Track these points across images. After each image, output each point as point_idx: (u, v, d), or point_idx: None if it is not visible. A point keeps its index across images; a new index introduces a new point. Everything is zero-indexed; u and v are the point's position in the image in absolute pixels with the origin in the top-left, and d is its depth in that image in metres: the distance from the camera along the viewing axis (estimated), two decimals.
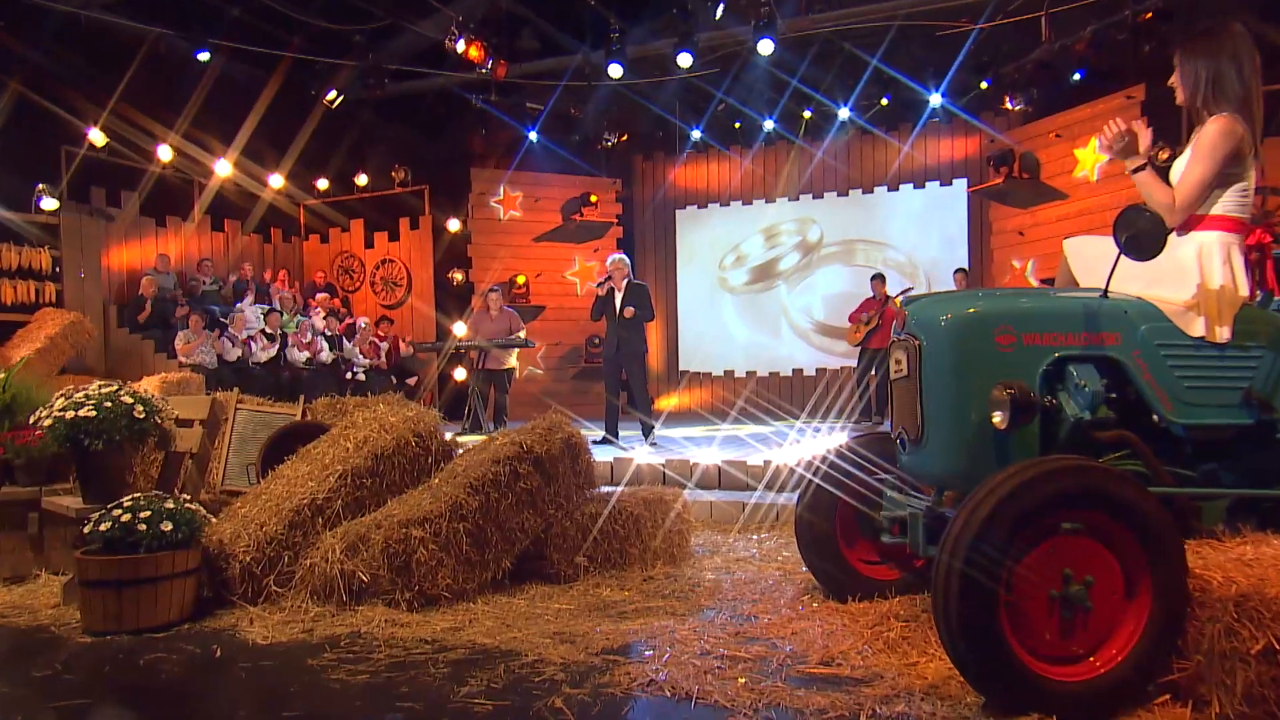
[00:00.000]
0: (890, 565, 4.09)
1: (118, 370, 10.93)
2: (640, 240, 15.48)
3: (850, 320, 11.67)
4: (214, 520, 4.26)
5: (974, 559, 2.68)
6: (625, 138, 14.78)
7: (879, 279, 11.67)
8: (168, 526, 3.82)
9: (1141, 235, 2.96)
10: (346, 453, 4.59)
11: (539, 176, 14.50)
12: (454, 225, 13.89)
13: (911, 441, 3.42)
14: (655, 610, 4.15)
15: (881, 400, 10.77)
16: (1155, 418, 3.21)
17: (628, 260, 9.15)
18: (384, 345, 13.38)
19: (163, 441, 4.63)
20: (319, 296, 13.46)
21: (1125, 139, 3.25)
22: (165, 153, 12.22)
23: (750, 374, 14.82)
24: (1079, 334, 3.23)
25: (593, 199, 14.15)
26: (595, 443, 8.94)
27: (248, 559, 4.11)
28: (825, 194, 14.59)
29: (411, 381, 13.32)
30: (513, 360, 11.19)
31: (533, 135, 14.34)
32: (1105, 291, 3.26)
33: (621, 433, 9.31)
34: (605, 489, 5.51)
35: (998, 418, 3.06)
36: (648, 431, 9.02)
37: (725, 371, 14.99)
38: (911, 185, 14.11)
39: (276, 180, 13.72)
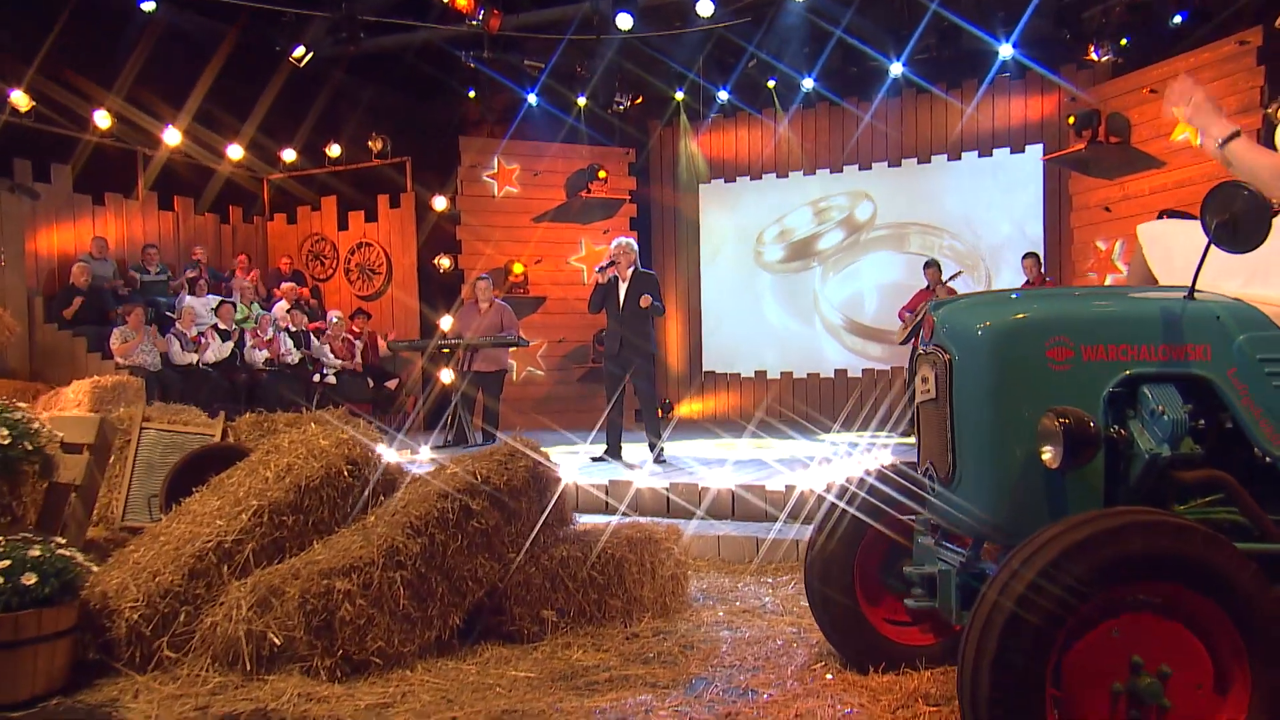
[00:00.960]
0: (923, 628, 3.80)
1: (44, 372, 10.84)
2: (658, 220, 15.35)
3: (900, 317, 11.37)
4: (96, 569, 4.01)
5: (1013, 642, 2.40)
6: (640, 101, 14.60)
7: (932, 266, 11.46)
8: (31, 579, 3.59)
9: (1239, 219, 2.65)
10: (265, 484, 4.34)
11: (539, 146, 14.35)
12: (440, 203, 13.76)
13: (941, 480, 3.14)
14: (633, 680, 3.89)
15: None
16: (1256, 452, 2.89)
17: (634, 245, 8.92)
18: (359, 342, 13.29)
19: (45, 470, 4.41)
20: (284, 286, 13.33)
21: (1197, 102, 2.92)
22: (103, 119, 12.12)
23: (785, 375, 14.63)
24: (1156, 346, 2.94)
25: (601, 174, 13.90)
26: (594, 460, 8.72)
27: (135, 616, 3.87)
28: (874, 164, 14.35)
29: (391, 385, 13.22)
30: (506, 360, 11.06)
31: (532, 98, 14.23)
32: (1191, 291, 2.96)
33: (626, 447, 9.07)
34: (590, 520, 5.26)
35: (1048, 454, 2.77)
36: (656, 448, 8.76)
37: (756, 372, 14.84)
38: (976, 153, 13.84)
39: (235, 151, 13.65)
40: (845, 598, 3.76)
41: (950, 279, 11.23)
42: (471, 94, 14.24)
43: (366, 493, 4.46)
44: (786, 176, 14.79)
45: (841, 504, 3.77)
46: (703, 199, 15.22)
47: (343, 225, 14.29)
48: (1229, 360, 2.93)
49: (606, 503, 7.14)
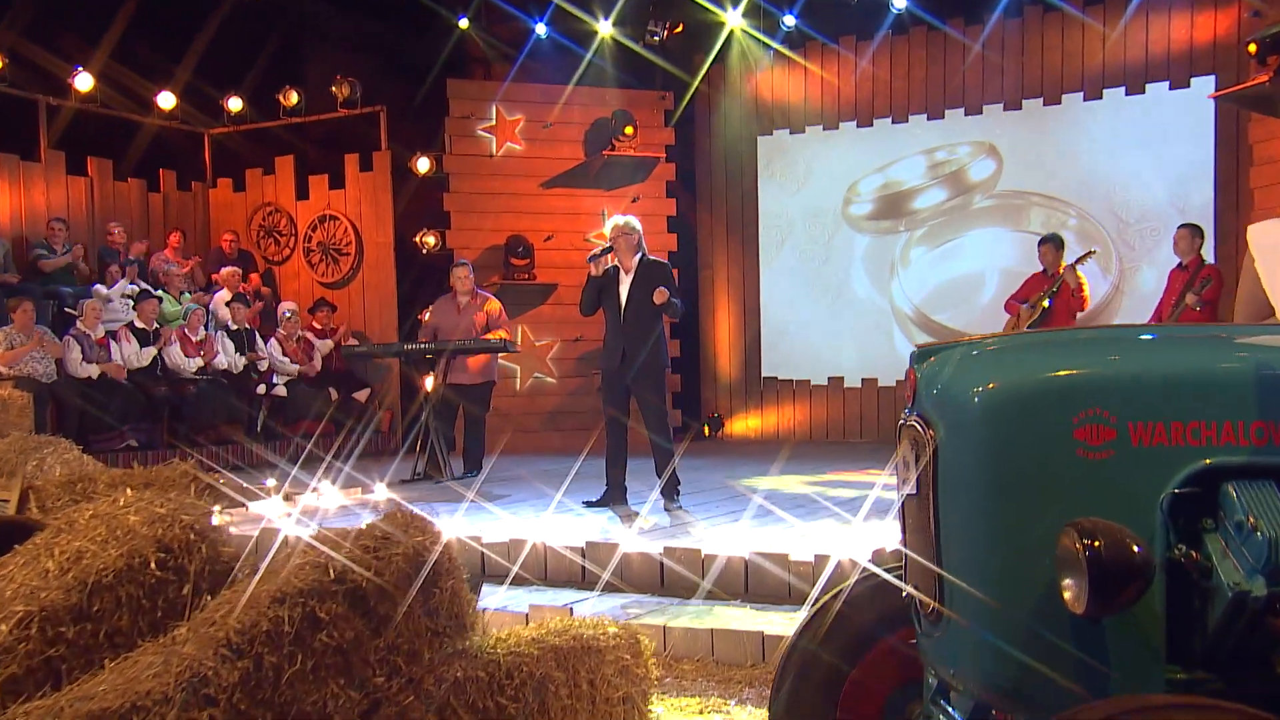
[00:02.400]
0: None
1: None
2: (704, 183, 15.03)
3: (1008, 309, 10.82)
4: None
5: None
6: (680, 30, 14.21)
7: (1051, 243, 10.79)
8: None
9: None
10: (43, 579, 3.92)
11: (550, 90, 14.08)
12: (424, 165, 13.59)
13: (925, 616, 2.62)
14: None
15: None
16: None
17: (637, 225, 8.50)
18: (321, 343, 13.23)
19: None
20: (224, 272, 13.26)
21: None
22: None
23: (869, 384, 14.23)
24: (1250, 423, 2.39)
25: (628, 131, 13.64)
26: (589, 505, 8.41)
27: None
28: (985, 107, 13.86)
29: (362, 396, 13.05)
30: (494, 368, 10.75)
31: (541, 29, 14.02)
32: None
33: (633, 488, 8.70)
34: (552, 601, 4.80)
35: (1069, 592, 2.25)
36: (670, 490, 8.36)
37: (830, 380, 14.47)
38: (1122, 89, 13.32)
39: (167, 100, 13.66)
40: None
41: (1078, 261, 10.55)
42: (463, 23, 13.96)
43: (187, 590, 4.03)
44: (870, 125, 14.39)
45: (844, 591, 3.24)
46: (762, 156, 14.84)
47: (302, 194, 14.21)
48: None
49: (584, 570, 6.71)
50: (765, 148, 14.79)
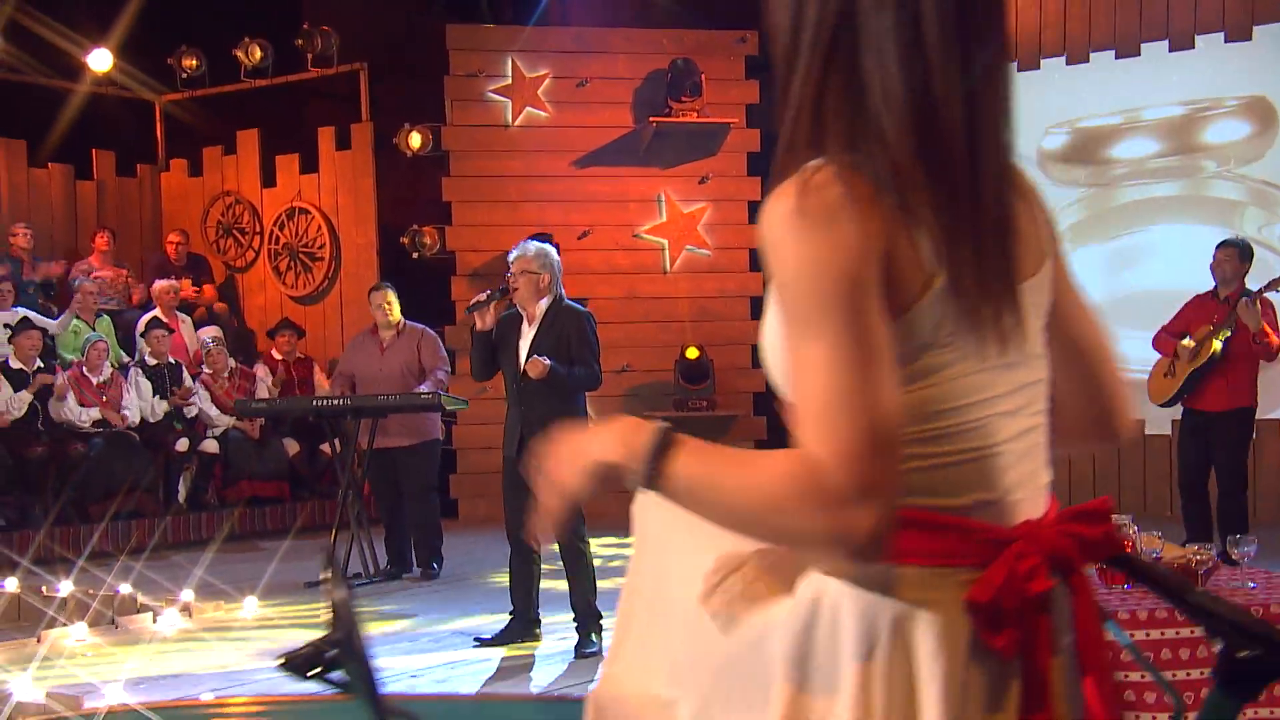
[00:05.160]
0: None
1: None
2: None
3: (1160, 348, 9.08)
4: None
5: None
6: None
7: (1235, 250, 8.87)
8: None
9: None
10: None
11: (586, 35, 12.65)
12: (415, 141, 12.17)
13: None
14: None
15: (1231, 514, 8.83)
16: None
17: (548, 260, 7.17)
18: (266, 380, 11.65)
19: None
20: (157, 286, 11.82)
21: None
22: None
23: None
24: None
25: (683, 101, 12.03)
26: (480, 643, 7.22)
27: None
28: (1201, 36, 11.64)
29: (326, 450, 11.21)
30: (435, 425, 9.48)
31: None
32: None
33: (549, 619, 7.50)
34: None
35: None
36: (590, 630, 7.05)
37: None
38: None
39: (101, 59, 12.42)
40: None
41: (1267, 289, 8.67)
42: None
43: None
44: (1037, 67, 12.20)
45: None
46: None
47: (268, 179, 13.05)
48: None
49: None
50: None
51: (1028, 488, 1.75)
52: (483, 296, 7.31)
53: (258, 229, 12.94)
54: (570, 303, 7.34)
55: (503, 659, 6.92)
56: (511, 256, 7.25)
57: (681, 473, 1.71)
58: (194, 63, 12.73)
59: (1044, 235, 1.80)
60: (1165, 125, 11.99)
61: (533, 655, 7.01)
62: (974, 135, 1.64)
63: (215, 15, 12.75)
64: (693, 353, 11.66)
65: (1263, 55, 11.91)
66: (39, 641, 7.09)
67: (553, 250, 7.30)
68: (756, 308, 12.24)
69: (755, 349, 12.44)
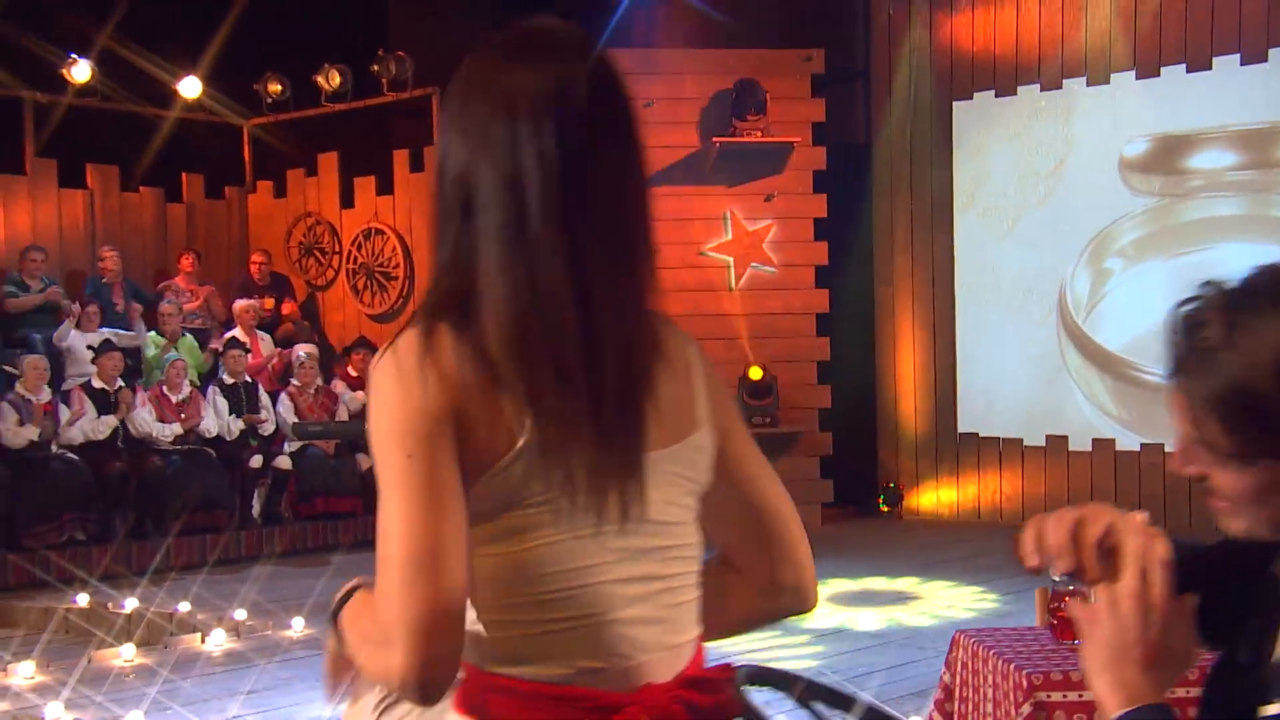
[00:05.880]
0: None
1: None
2: (880, 169, 13.52)
3: None
4: None
5: None
6: None
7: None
8: None
9: None
10: None
11: (653, 58, 12.48)
12: None
13: None
14: None
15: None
16: None
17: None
18: (350, 397, 11.85)
19: None
20: (238, 305, 12.18)
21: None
22: None
23: (1103, 444, 11.95)
24: None
25: (748, 120, 12.01)
26: None
27: None
28: (1273, 51, 11.30)
29: None
30: None
31: None
32: None
33: None
34: None
35: None
36: None
37: (1050, 439, 12.26)
38: None
39: (191, 87, 12.78)
40: None
41: None
42: None
43: None
44: (1107, 82, 12.12)
45: None
46: (959, 129, 12.88)
47: (347, 200, 13.30)
48: None
49: None
50: (964, 113, 12.97)
51: (655, 651, 1.79)
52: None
53: (337, 248, 13.22)
54: None
55: None
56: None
57: (343, 630, 1.89)
58: (278, 88, 13.02)
59: (701, 405, 1.84)
60: (1243, 138, 11.70)
61: None
62: (586, 317, 1.70)
63: (298, 42, 12.99)
64: (756, 373, 11.73)
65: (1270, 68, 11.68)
66: (89, 661, 7.42)
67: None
68: (822, 325, 12.45)
69: (820, 365, 12.30)
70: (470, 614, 1.76)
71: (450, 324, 1.71)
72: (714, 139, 12.20)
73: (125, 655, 7.38)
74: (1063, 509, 1.71)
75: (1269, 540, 1.66)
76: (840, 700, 2.06)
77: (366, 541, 10.16)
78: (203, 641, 7.67)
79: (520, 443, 1.69)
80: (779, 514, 1.96)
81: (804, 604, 2.02)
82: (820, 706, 2.04)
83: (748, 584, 1.96)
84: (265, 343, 12.25)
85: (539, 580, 1.74)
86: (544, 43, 1.79)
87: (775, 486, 1.97)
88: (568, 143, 1.71)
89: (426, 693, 1.69)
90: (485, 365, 1.70)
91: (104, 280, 11.83)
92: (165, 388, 10.91)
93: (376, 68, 12.50)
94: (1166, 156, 11.99)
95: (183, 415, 10.91)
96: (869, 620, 8.32)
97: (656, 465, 1.78)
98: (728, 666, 1.91)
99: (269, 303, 12.57)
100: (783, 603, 1.99)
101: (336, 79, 12.75)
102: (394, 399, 1.70)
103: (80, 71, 12.00)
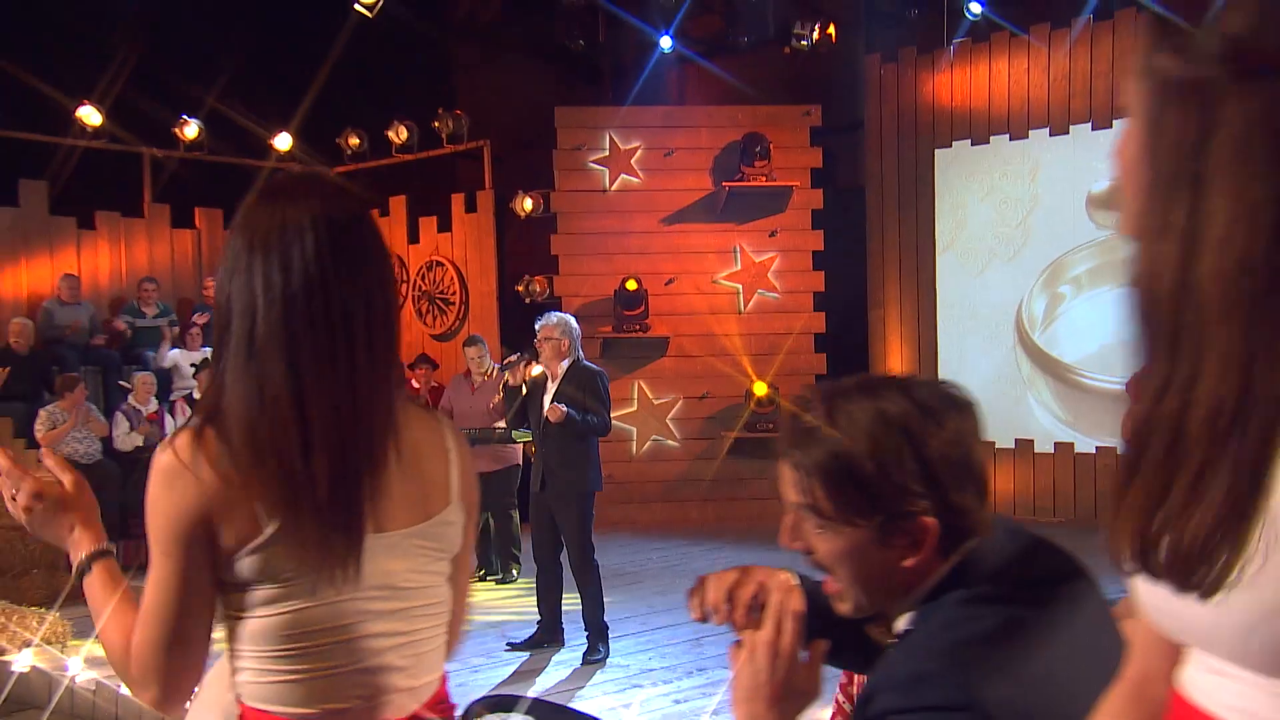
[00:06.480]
0: None
1: None
2: (873, 208, 13.81)
3: (1129, 391, 8.98)
4: None
5: None
6: (832, 31, 13.07)
7: None
8: None
9: None
10: None
11: (673, 113, 13.35)
12: (527, 205, 13.11)
13: None
14: None
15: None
16: None
17: (569, 328, 7.79)
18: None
19: None
20: None
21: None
22: (90, 115, 12.45)
23: (1063, 448, 12.55)
24: None
25: (755, 166, 12.67)
26: (511, 648, 7.87)
27: None
28: None
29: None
30: (514, 452, 10.16)
31: (666, 43, 13.27)
32: None
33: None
34: None
35: None
36: (594, 640, 7.64)
37: (1018, 443, 12.82)
38: None
39: (284, 141, 13.76)
40: None
41: None
42: (578, 43, 13.54)
43: None
44: (1066, 132, 12.60)
45: None
46: (940, 174, 13.34)
47: (413, 237, 14.11)
48: None
49: None
50: (945, 161, 13.31)
51: (394, 693, 1.98)
52: (514, 357, 8.11)
53: (405, 278, 13.79)
54: (586, 363, 8.04)
55: (523, 662, 7.59)
56: (538, 325, 8.00)
57: (87, 591, 2.05)
58: (356, 141, 13.94)
59: (454, 483, 2.05)
60: None
61: (548, 660, 7.64)
62: (304, 424, 1.83)
63: (372, 101, 13.75)
64: (760, 389, 12.48)
65: None
66: None
67: (572, 320, 8.03)
68: (820, 344, 13.06)
69: (818, 379, 13.77)
70: (242, 660, 1.95)
71: (215, 427, 1.86)
72: (724, 183, 12.84)
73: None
74: (725, 571, 1.94)
75: (871, 613, 1.78)
76: (559, 713, 2.27)
77: None
78: None
79: (266, 531, 1.85)
80: (463, 590, 2.16)
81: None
82: None
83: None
84: None
85: (290, 639, 1.90)
86: (288, 189, 1.94)
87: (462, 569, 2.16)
88: (294, 273, 1.83)
89: (171, 715, 1.94)
90: (233, 468, 1.83)
91: (208, 306, 12.34)
92: None
93: (437, 124, 13.31)
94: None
95: None
96: None
97: (404, 540, 1.96)
98: (445, 704, 2.09)
99: None
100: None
101: (404, 133, 13.58)
102: (160, 499, 1.87)
103: (190, 130, 13.03)
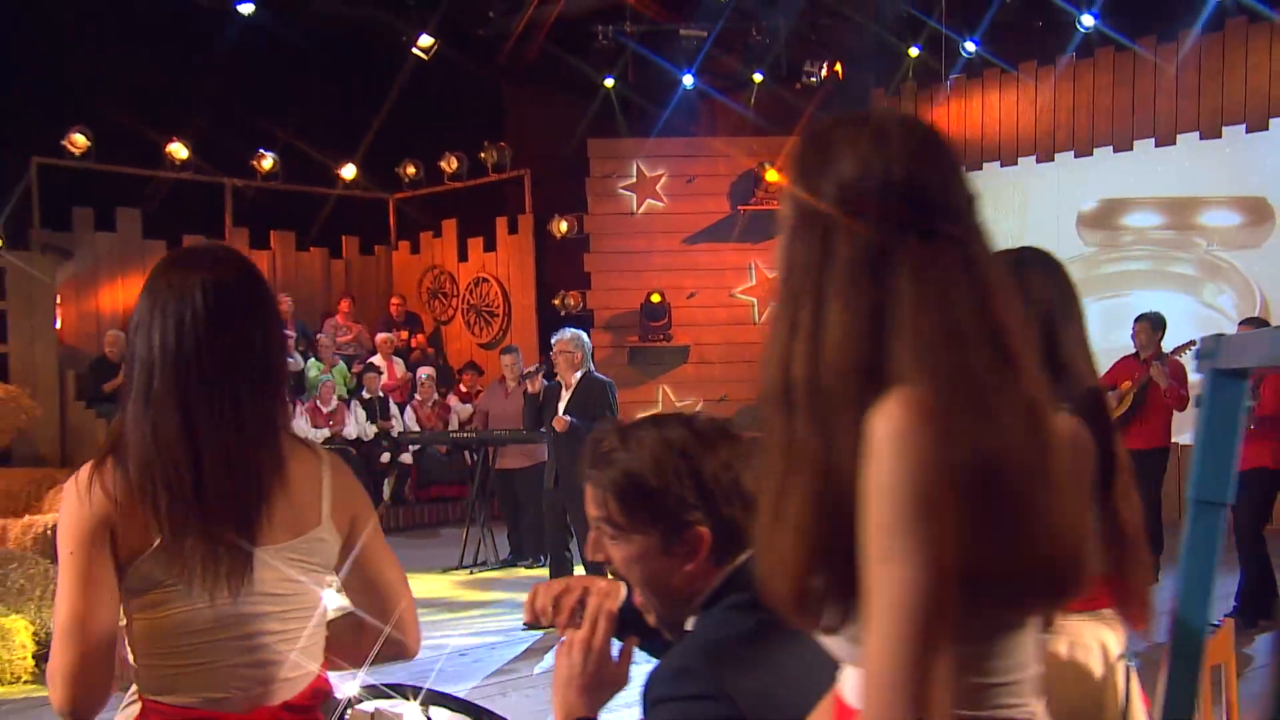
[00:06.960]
0: None
1: (76, 457, 11.73)
2: None
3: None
4: None
5: None
6: (839, 69, 13.95)
7: (1145, 322, 9.21)
8: None
9: None
10: None
11: (695, 144, 14.21)
12: (562, 227, 14.13)
13: None
14: None
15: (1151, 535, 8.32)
16: None
17: (580, 343, 8.52)
18: (460, 409, 13.77)
19: None
20: (380, 338, 14.22)
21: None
22: (178, 150, 13.53)
23: None
24: None
25: (770, 174, 13.38)
26: (528, 627, 7.59)
27: None
28: (1180, 137, 12.78)
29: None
30: (540, 450, 10.43)
31: (688, 80, 14.08)
32: None
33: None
34: None
35: None
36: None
37: None
38: None
39: (349, 170, 14.76)
40: None
41: (1176, 352, 8.96)
42: (609, 82, 14.27)
43: None
44: (1051, 159, 13.55)
45: None
46: None
47: (462, 255, 15.06)
48: None
49: None
50: None
51: (269, 684, 2.14)
52: (531, 368, 8.82)
53: (455, 293, 14.86)
54: (597, 375, 8.48)
55: (536, 640, 7.64)
56: (553, 340, 8.56)
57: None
58: (413, 170, 14.89)
59: (325, 506, 2.18)
60: (1164, 204, 12.77)
61: (556, 640, 7.97)
62: (195, 457, 2.01)
63: (427, 134, 14.51)
64: None
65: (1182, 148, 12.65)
66: None
67: (584, 335, 8.53)
68: None
69: None
70: (139, 656, 2.12)
71: (115, 458, 2.05)
72: (740, 207, 13.68)
73: None
74: (554, 581, 2.10)
75: (670, 621, 1.92)
76: (453, 703, 2.32)
77: (471, 519, 10.80)
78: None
79: (155, 544, 2.02)
80: (392, 589, 2.29)
81: (406, 654, 2.34)
82: (437, 710, 2.31)
83: (370, 635, 2.29)
84: (399, 365, 13.93)
85: (173, 638, 2.09)
86: (186, 258, 2.12)
87: (395, 571, 2.30)
88: (185, 331, 2.00)
89: (78, 717, 2.03)
90: (131, 488, 2.02)
91: (285, 318, 13.16)
92: (318, 401, 12.78)
93: (484, 155, 14.30)
94: (1109, 214, 13.29)
95: (330, 423, 12.74)
96: None
97: (278, 554, 2.12)
98: (322, 691, 2.21)
99: (404, 335, 14.36)
100: (391, 651, 2.32)
101: (455, 163, 14.58)
102: (68, 510, 2.05)
103: (266, 162, 13.98)
